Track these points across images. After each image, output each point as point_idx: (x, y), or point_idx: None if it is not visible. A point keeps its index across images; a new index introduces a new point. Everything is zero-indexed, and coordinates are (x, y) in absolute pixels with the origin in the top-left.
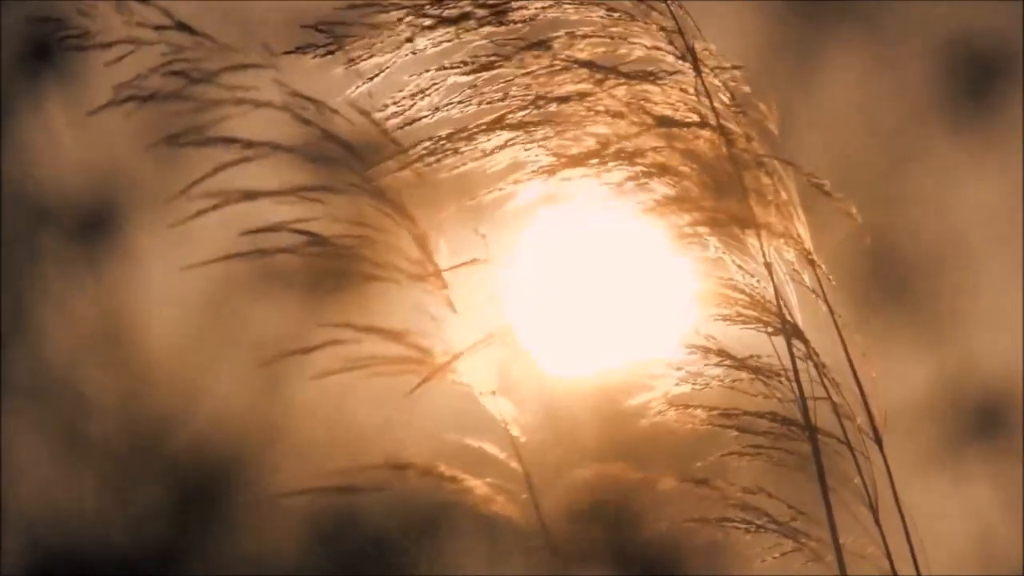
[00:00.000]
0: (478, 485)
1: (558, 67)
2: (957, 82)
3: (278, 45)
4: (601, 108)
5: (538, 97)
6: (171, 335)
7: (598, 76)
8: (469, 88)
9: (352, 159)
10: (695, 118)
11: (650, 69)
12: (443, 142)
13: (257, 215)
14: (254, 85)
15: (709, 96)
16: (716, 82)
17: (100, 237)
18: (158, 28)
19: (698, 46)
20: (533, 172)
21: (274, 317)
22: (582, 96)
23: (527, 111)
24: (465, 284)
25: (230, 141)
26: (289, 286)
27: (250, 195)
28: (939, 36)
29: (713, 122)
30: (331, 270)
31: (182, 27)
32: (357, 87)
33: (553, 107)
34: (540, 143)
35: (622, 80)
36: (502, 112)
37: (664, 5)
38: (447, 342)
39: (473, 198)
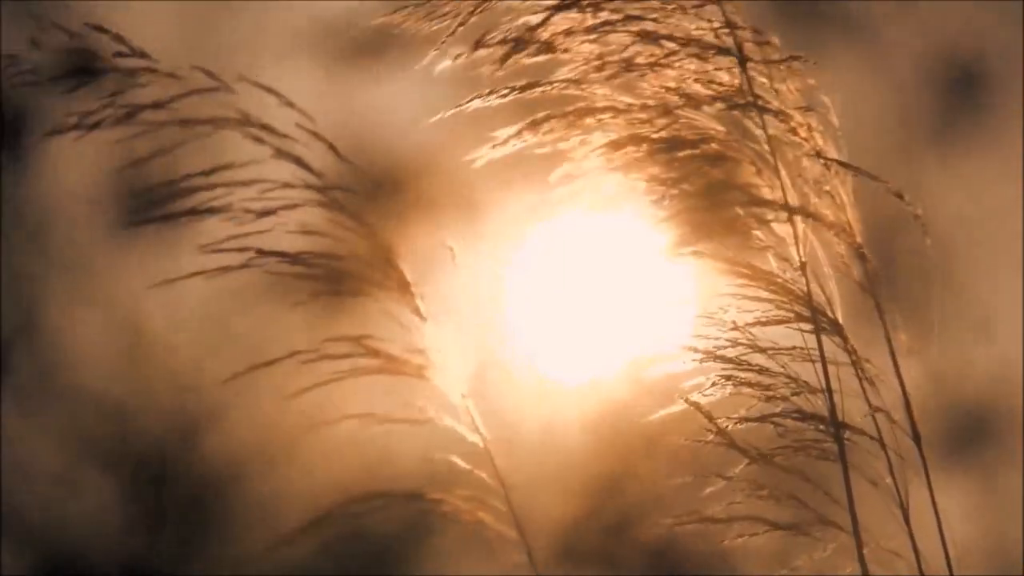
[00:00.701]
0: (455, 499)
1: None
2: (955, 84)
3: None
4: (671, 84)
5: (621, 61)
6: (179, 341)
7: (669, 47)
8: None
9: (315, 179)
10: (751, 101)
11: (712, 43)
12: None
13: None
14: (217, 110)
15: (751, 85)
16: (764, 79)
17: (107, 241)
18: (116, 56)
19: (757, 38)
20: (592, 151)
21: (282, 325)
22: (651, 67)
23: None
24: (441, 292)
25: (185, 183)
26: (288, 297)
27: (202, 211)
28: (936, 38)
29: (764, 106)
30: (309, 285)
31: (139, 54)
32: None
33: (623, 72)
34: (602, 122)
35: (688, 54)
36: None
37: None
38: (422, 350)
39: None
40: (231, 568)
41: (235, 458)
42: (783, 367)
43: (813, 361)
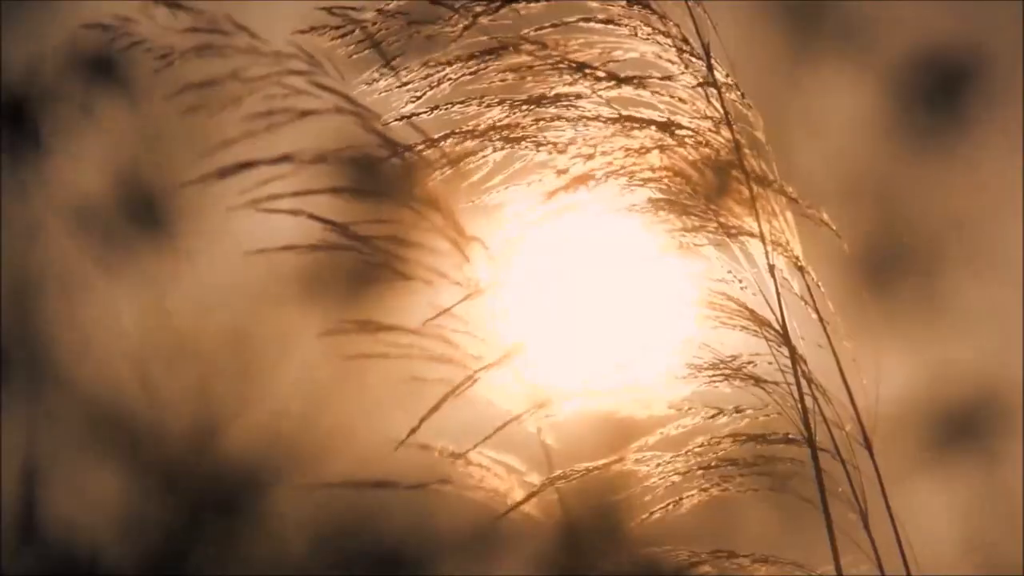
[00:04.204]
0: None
1: (550, 67)
2: (949, 86)
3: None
4: (596, 114)
5: (538, 97)
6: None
7: (597, 75)
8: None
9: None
10: (697, 125)
11: (649, 73)
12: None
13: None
14: (305, 87)
15: (721, 100)
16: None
17: (143, 235)
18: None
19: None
20: (534, 191)
21: (309, 319)
22: (577, 97)
23: (522, 113)
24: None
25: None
26: (325, 287)
27: (281, 198)
28: (930, 38)
29: (713, 130)
30: (365, 270)
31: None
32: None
33: (551, 109)
34: (537, 147)
35: (614, 83)
36: (509, 117)
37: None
38: (475, 347)
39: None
40: (243, 567)
41: (254, 457)
42: (754, 382)
43: (787, 383)
